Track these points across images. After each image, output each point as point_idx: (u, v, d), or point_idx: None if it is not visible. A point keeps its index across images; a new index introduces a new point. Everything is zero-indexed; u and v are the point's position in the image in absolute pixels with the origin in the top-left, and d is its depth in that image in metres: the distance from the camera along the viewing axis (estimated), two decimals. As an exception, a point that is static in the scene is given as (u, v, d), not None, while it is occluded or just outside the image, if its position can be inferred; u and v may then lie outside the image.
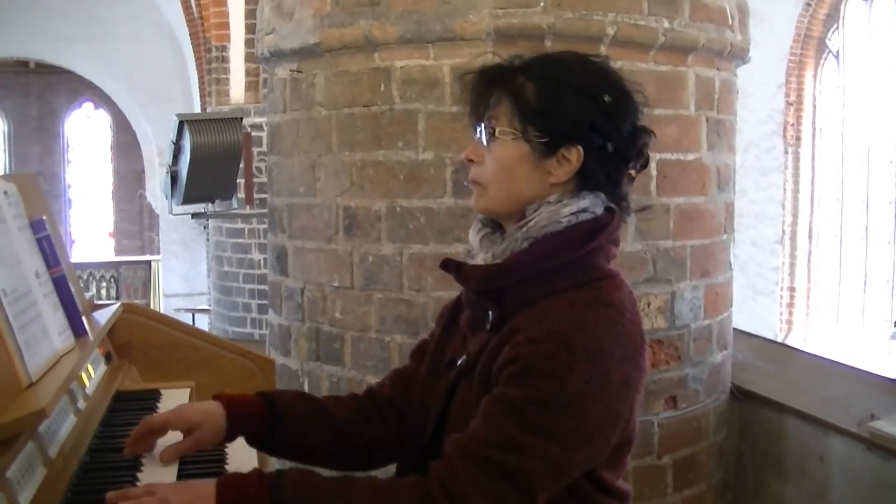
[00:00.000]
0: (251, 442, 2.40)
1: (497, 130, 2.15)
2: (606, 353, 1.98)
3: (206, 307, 14.41)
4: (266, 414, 2.35)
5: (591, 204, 2.13)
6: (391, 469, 2.42)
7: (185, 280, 18.00)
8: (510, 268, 2.12)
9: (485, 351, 2.11)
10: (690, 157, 4.36)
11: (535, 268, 2.10)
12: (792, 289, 14.00)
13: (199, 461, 2.38)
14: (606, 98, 2.12)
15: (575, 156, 2.10)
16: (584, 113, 2.10)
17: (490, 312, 2.17)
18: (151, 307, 16.39)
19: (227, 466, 2.43)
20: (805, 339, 13.44)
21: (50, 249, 2.57)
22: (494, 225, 2.25)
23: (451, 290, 4.07)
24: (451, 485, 1.92)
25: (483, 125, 2.18)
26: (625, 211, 2.23)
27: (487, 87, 2.18)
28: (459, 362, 2.23)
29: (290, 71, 4.56)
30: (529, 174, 2.13)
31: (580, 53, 2.25)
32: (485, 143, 2.18)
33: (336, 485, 1.99)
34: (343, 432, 2.41)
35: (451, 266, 2.26)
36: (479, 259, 2.20)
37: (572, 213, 2.11)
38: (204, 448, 2.36)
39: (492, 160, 2.16)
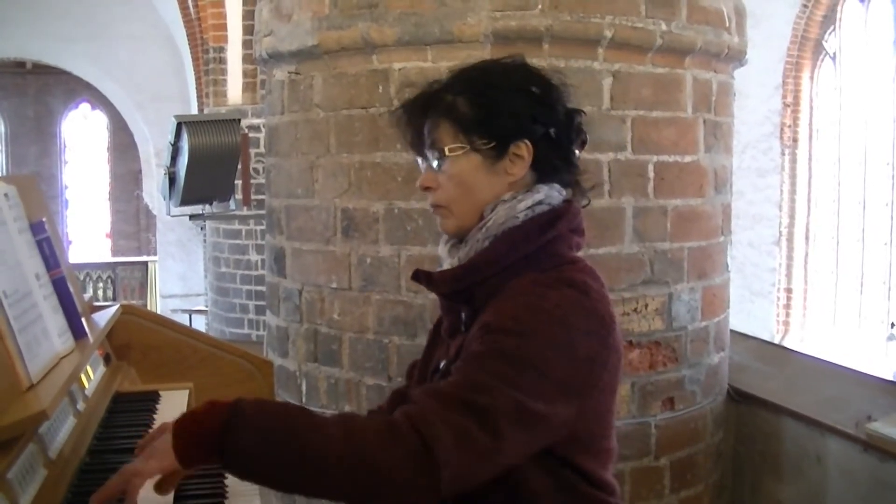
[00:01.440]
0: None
1: (446, 150, 2.19)
2: (569, 322, 2.03)
3: (202, 308, 14.39)
4: None
5: (545, 196, 2.20)
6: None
7: (182, 281, 17.98)
8: (474, 265, 2.17)
9: (462, 349, 2.14)
10: (687, 158, 4.37)
11: (498, 263, 2.15)
12: (789, 290, 13.99)
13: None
14: (534, 89, 2.20)
15: (525, 150, 2.18)
16: (520, 107, 2.18)
17: (463, 314, 2.22)
18: (148, 308, 16.39)
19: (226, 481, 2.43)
20: (802, 340, 13.44)
21: (50, 251, 2.58)
22: (464, 236, 2.27)
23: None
24: (418, 419, 1.91)
25: (429, 152, 2.23)
26: (580, 194, 2.30)
27: (420, 117, 2.24)
28: (441, 366, 2.26)
29: (289, 73, 4.56)
30: (488, 181, 2.20)
31: (493, 60, 2.34)
32: (436, 167, 2.22)
33: (295, 408, 2.02)
34: None
35: (421, 276, 2.31)
36: (446, 265, 2.25)
37: (528, 208, 2.18)
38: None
39: (447, 180, 2.21)
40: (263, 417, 1.91)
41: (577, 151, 2.27)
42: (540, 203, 2.18)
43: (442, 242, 2.33)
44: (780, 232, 13.95)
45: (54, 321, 2.43)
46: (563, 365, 2.00)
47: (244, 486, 2.32)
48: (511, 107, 2.17)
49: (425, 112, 2.23)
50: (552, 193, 2.21)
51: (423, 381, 2.37)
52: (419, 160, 2.29)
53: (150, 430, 2.51)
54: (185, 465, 1.90)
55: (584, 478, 2.13)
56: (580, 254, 2.28)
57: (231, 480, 2.40)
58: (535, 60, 3.88)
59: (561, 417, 2.01)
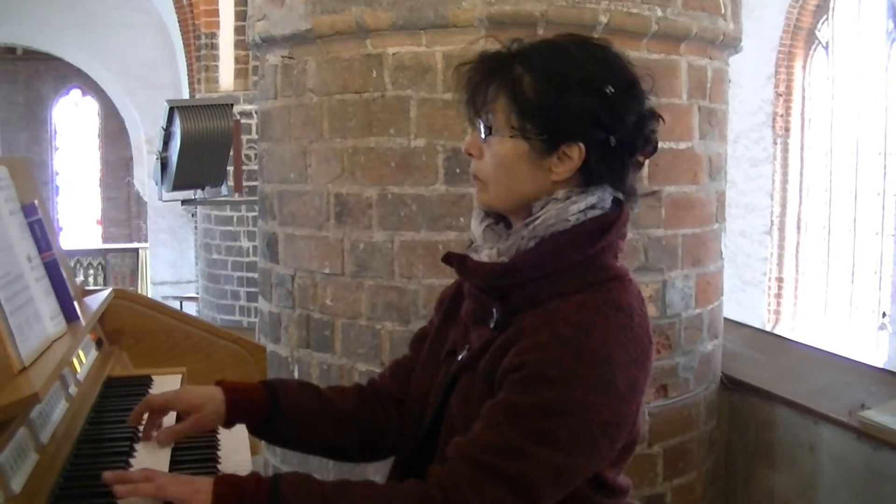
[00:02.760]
0: (253, 431, 2.40)
1: (494, 127, 2.08)
2: (614, 359, 1.94)
3: (193, 295, 14.40)
4: (266, 401, 2.35)
5: (599, 200, 2.07)
6: (390, 461, 2.42)
7: (173, 268, 17.99)
8: (516, 267, 2.06)
9: (489, 350, 2.07)
10: (682, 145, 4.36)
11: (542, 268, 2.04)
12: (780, 279, 14.04)
13: (191, 447, 2.38)
14: (609, 90, 2.03)
15: (576, 153, 2.04)
16: (585, 108, 2.02)
17: (494, 310, 2.11)
18: (139, 295, 16.37)
19: (219, 452, 2.44)
20: (793, 329, 13.48)
21: (41, 234, 2.56)
22: (497, 215, 2.19)
23: (442, 278, 4.08)
24: (451, 489, 1.90)
25: (480, 120, 2.11)
26: (633, 201, 2.17)
27: (484, 79, 2.09)
28: (461, 356, 2.19)
29: (282, 57, 4.54)
30: (529, 172, 2.07)
31: (581, 38, 2.15)
32: (483, 137, 2.11)
33: (333, 488, 1.98)
34: (345, 423, 2.40)
35: (454, 259, 2.20)
36: (484, 254, 2.13)
37: (580, 211, 2.05)
38: (202, 431, 2.36)
39: (490, 156, 2.10)
40: (302, 498, 1.94)
41: (640, 158, 2.14)
42: (593, 207, 2.07)
43: (475, 220, 2.22)
44: (772, 221, 13.99)
45: (46, 304, 2.42)
46: (606, 405, 1.93)
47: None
48: (575, 104, 2.02)
49: (492, 77, 2.08)
50: (605, 197, 2.08)
51: (434, 361, 2.31)
52: (473, 121, 2.15)
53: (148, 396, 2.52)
54: None
55: (602, 487, 2.09)
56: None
57: (224, 451, 2.42)
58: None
59: (603, 455, 1.98)
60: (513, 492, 1.88)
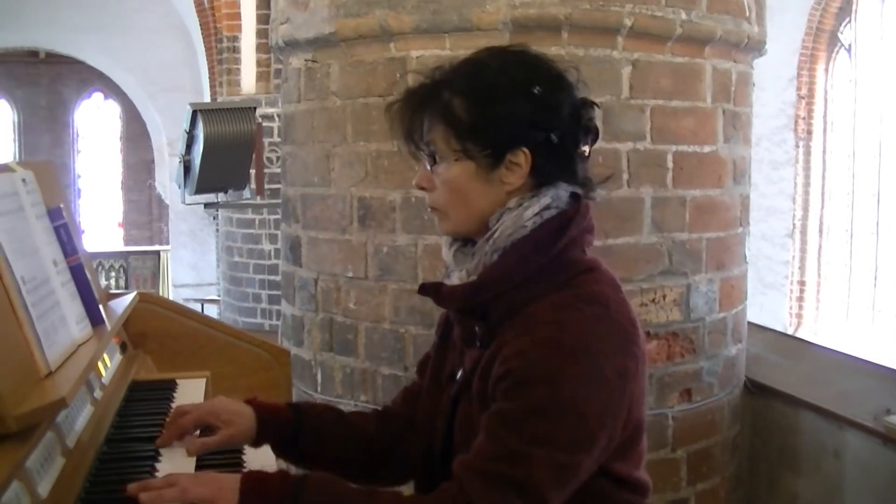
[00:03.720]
0: (277, 451, 2.42)
1: (437, 155, 2.11)
2: (596, 350, 1.95)
3: (215, 297, 14.42)
4: (292, 423, 2.37)
5: (553, 199, 2.10)
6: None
7: (194, 270, 18.00)
8: (485, 283, 2.09)
9: (477, 368, 2.09)
10: (707, 149, 4.34)
11: (509, 279, 2.06)
12: (802, 283, 13.98)
13: (216, 453, 2.38)
14: (536, 90, 2.06)
15: (523, 159, 2.06)
16: (518, 114, 2.06)
17: (477, 329, 2.13)
18: (160, 297, 16.39)
19: (244, 456, 2.44)
20: (815, 333, 13.42)
21: (67, 238, 2.56)
22: (465, 238, 2.20)
23: (465, 282, 4.08)
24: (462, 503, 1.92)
25: (423, 152, 2.14)
26: (591, 191, 2.18)
27: (416, 112, 2.13)
28: (458, 377, 2.22)
29: (305, 61, 4.54)
30: (483, 189, 2.09)
31: (497, 49, 2.20)
32: (429, 168, 2.13)
33: (358, 494, 2.00)
34: (367, 446, 2.42)
35: (429, 289, 2.23)
36: (455, 277, 2.16)
37: (535, 214, 2.07)
38: (231, 447, 2.37)
39: (442, 184, 2.12)
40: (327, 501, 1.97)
41: (585, 149, 2.15)
42: (548, 208, 2.08)
43: (445, 245, 2.24)
44: (794, 224, 13.94)
45: (72, 308, 2.42)
46: (596, 396, 1.94)
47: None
48: (509, 113, 2.05)
49: (423, 109, 2.12)
50: (559, 194, 2.10)
51: (437, 384, 2.33)
52: (416, 156, 2.19)
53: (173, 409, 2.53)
54: None
55: (619, 483, 2.10)
56: (596, 242, 2.22)
57: (249, 458, 2.42)
58: (554, 49, 3.89)
59: (602, 447, 1.98)
60: (521, 496, 1.90)
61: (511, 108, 2.05)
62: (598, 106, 2.19)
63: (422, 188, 2.18)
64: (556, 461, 1.91)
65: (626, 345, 2.01)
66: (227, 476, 2.00)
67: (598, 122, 2.20)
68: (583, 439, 1.94)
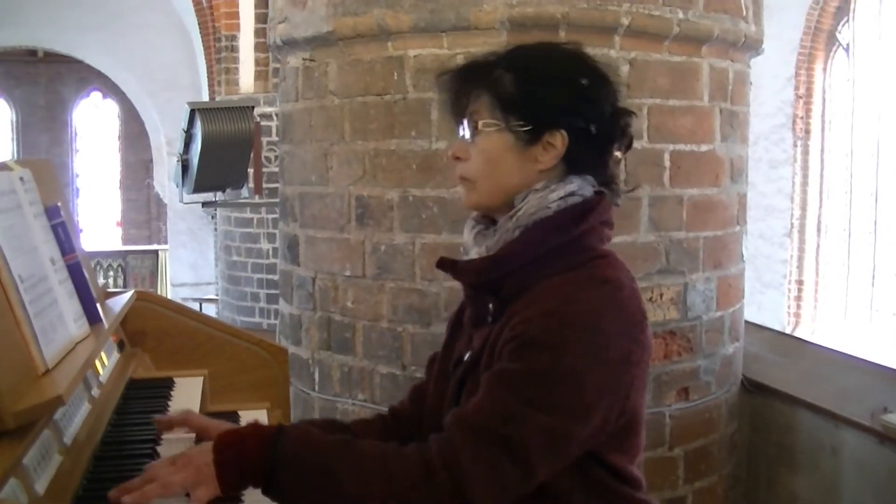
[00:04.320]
0: None
1: (480, 124, 2.16)
2: (603, 327, 1.99)
3: (213, 297, 14.41)
4: None
5: (578, 187, 2.15)
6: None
7: (193, 269, 17.99)
8: (503, 257, 2.13)
9: (486, 345, 2.12)
10: (704, 148, 4.35)
11: (527, 254, 2.11)
12: (800, 282, 13.97)
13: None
14: (584, 81, 2.13)
15: (559, 140, 2.12)
16: (563, 97, 2.12)
17: (490, 305, 2.17)
18: (159, 296, 16.38)
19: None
20: (813, 332, 13.42)
21: (65, 236, 2.57)
22: (488, 221, 2.25)
23: (463, 281, 4.08)
24: (449, 456, 1.93)
25: (465, 121, 2.19)
26: (614, 193, 2.24)
27: (465, 85, 2.19)
28: (466, 358, 2.23)
29: (303, 59, 4.54)
30: (516, 164, 2.14)
31: (553, 42, 2.34)
32: (469, 138, 2.19)
33: (336, 445, 2.02)
34: None
35: (446, 264, 2.28)
36: (473, 253, 2.21)
37: (560, 198, 2.13)
38: None
39: (477, 154, 2.18)
40: (302, 459, 1.98)
41: (618, 153, 2.22)
42: (572, 194, 2.13)
43: (467, 229, 2.29)
44: (792, 223, 13.93)
45: (70, 306, 2.42)
46: (598, 371, 1.97)
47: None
48: (553, 94, 2.12)
49: (472, 81, 2.19)
50: (585, 185, 2.16)
51: (444, 375, 2.34)
52: (457, 126, 2.24)
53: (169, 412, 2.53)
54: (225, 491, 1.97)
55: (614, 474, 2.12)
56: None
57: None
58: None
59: (596, 425, 2.00)
60: (510, 456, 1.92)
61: (557, 91, 2.13)
62: (635, 115, 2.25)
63: (456, 158, 2.23)
64: (548, 426, 1.93)
65: (632, 330, 2.05)
66: (200, 448, 2.02)
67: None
68: (578, 410, 1.96)
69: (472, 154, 2.18)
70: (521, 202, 2.14)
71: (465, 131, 2.20)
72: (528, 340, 1.98)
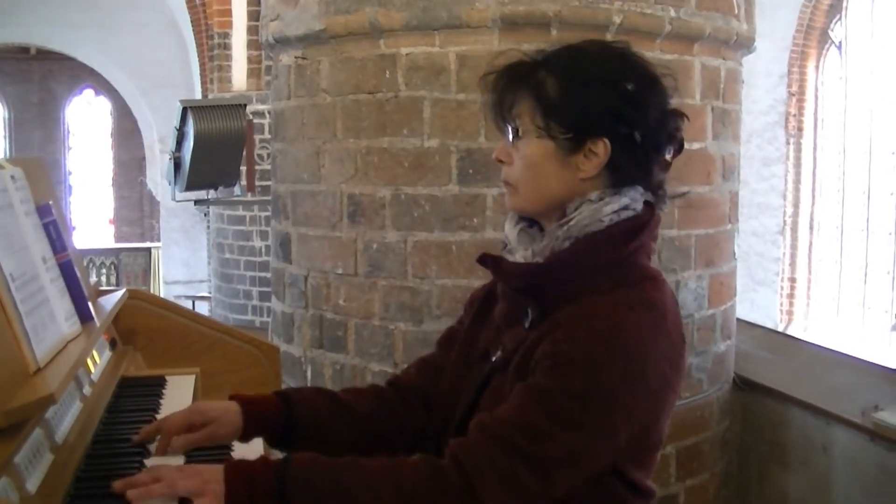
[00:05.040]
0: (272, 443, 2.39)
1: (521, 129, 2.11)
2: (647, 353, 1.96)
3: (206, 294, 14.41)
4: (281, 412, 2.34)
5: (631, 200, 2.10)
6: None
7: (186, 267, 18.00)
8: (552, 267, 2.09)
9: (522, 347, 2.08)
10: (696, 146, 4.35)
11: (576, 267, 2.07)
12: (792, 279, 14.00)
13: (204, 449, 2.37)
14: (629, 86, 2.06)
15: (602, 149, 2.06)
16: (606, 103, 2.05)
17: (529, 310, 2.13)
18: (151, 294, 16.38)
19: (232, 452, 2.42)
20: (805, 329, 13.45)
21: (56, 234, 2.56)
22: (530, 219, 2.21)
23: (455, 278, 4.08)
24: (466, 460, 1.92)
25: (508, 125, 2.15)
26: (661, 200, 2.19)
27: (508, 86, 2.14)
28: (495, 357, 2.20)
29: (295, 57, 4.54)
30: (557, 171, 2.09)
31: (601, 41, 2.23)
32: (511, 142, 2.15)
33: (344, 464, 1.99)
34: (364, 424, 2.39)
35: (489, 261, 2.22)
36: (519, 255, 2.16)
37: (614, 212, 2.08)
38: (217, 442, 2.34)
39: (519, 159, 2.13)
40: (312, 477, 1.96)
41: (667, 157, 2.16)
42: (626, 208, 2.09)
43: (509, 223, 2.24)
44: (785, 221, 13.95)
45: (61, 305, 2.42)
46: (634, 396, 1.95)
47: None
48: (596, 100, 2.06)
49: (516, 82, 2.13)
50: (637, 198, 2.11)
51: (465, 363, 2.31)
52: (501, 128, 2.20)
53: (158, 417, 2.52)
54: None
55: (631, 488, 2.09)
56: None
57: (238, 453, 2.40)
58: (542, 47, 3.89)
59: (621, 445, 1.98)
60: (529, 469, 1.90)
61: (600, 96, 2.06)
62: (687, 118, 2.19)
63: (500, 161, 2.19)
64: (574, 444, 1.91)
65: (673, 356, 2.03)
66: (210, 467, 1.99)
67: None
68: (606, 430, 1.94)
69: (515, 158, 2.14)
70: (573, 211, 2.09)
71: (508, 133, 2.16)
72: (569, 359, 1.94)
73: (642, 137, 2.07)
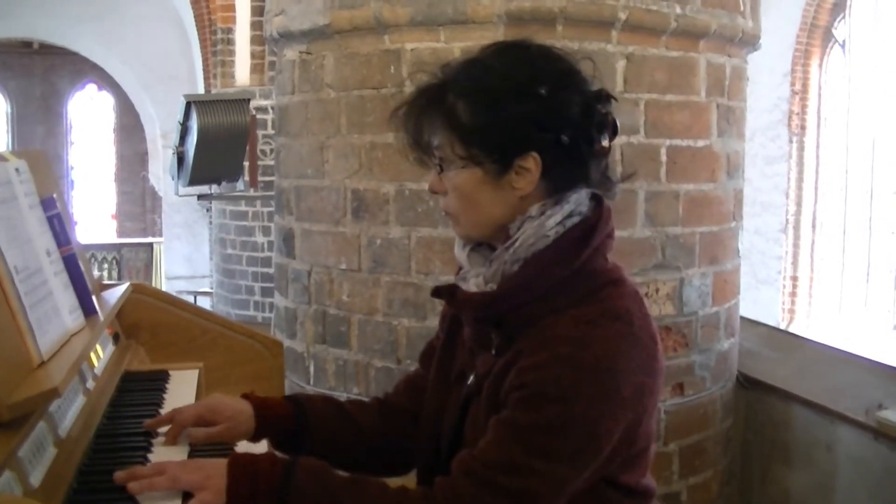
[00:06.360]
0: (279, 447, 2.38)
1: (444, 161, 2.05)
2: (617, 369, 1.90)
3: (208, 290, 14.41)
4: (292, 417, 2.35)
5: (575, 205, 2.03)
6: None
7: (188, 262, 17.98)
8: (504, 294, 2.02)
9: (490, 374, 2.05)
10: (700, 143, 4.34)
11: (530, 290, 1.99)
12: (795, 278, 13.98)
13: (207, 447, 2.36)
14: (542, 90, 1.98)
15: (532, 163, 1.99)
16: (524, 116, 1.97)
17: (493, 336, 2.09)
18: (153, 289, 16.36)
19: (236, 448, 2.42)
20: (807, 328, 13.43)
21: (60, 228, 2.55)
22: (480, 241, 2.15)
23: (459, 275, 4.08)
24: (453, 502, 1.91)
25: (431, 158, 2.09)
26: (609, 189, 2.12)
27: (420, 117, 2.07)
28: (469, 380, 2.17)
29: (300, 52, 4.54)
30: (493, 196, 2.03)
31: (503, 46, 2.13)
32: (438, 173, 2.08)
33: (347, 482, 1.99)
34: (367, 438, 2.39)
35: (443, 293, 2.18)
36: (472, 283, 2.09)
37: (558, 223, 2.00)
38: (230, 440, 2.33)
39: (451, 190, 2.06)
40: (314, 490, 1.94)
41: (605, 144, 2.06)
42: (570, 215, 2.01)
43: (458, 246, 2.18)
44: (787, 220, 13.94)
45: (65, 298, 2.41)
46: (610, 414, 1.90)
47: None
48: (514, 116, 1.97)
49: (427, 112, 2.05)
50: (581, 199, 2.04)
51: (444, 383, 2.27)
52: (424, 161, 2.13)
53: (161, 411, 2.52)
54: None
55: (625, 492, 2.07)
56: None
57: (241, 450, 2.40)
58: (549, 42, 3.88)
59: (606, 457, 1.95)
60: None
61: (516, 111, 1.97)
62: (614, 98, 2.10)
63: (434, 192, 2.12)
64: (557, 474, 1.89)
65: (646, 362, 1.96)
66: (214, 461, 1.99)
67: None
68: (588, 455, 1.91)
69: (448, 188, 2.07)
70: (516, 231, 2.02)
71: (433, 166, 2.09)
72: (538, 392, 1.89)
73: (570, 138, 1.99)
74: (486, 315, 2.07)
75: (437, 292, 2.20)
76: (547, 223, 2.00)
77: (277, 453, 2.12)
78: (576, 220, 2.03)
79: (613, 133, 2.08)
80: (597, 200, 2.08)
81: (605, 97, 2.07)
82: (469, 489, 1.90)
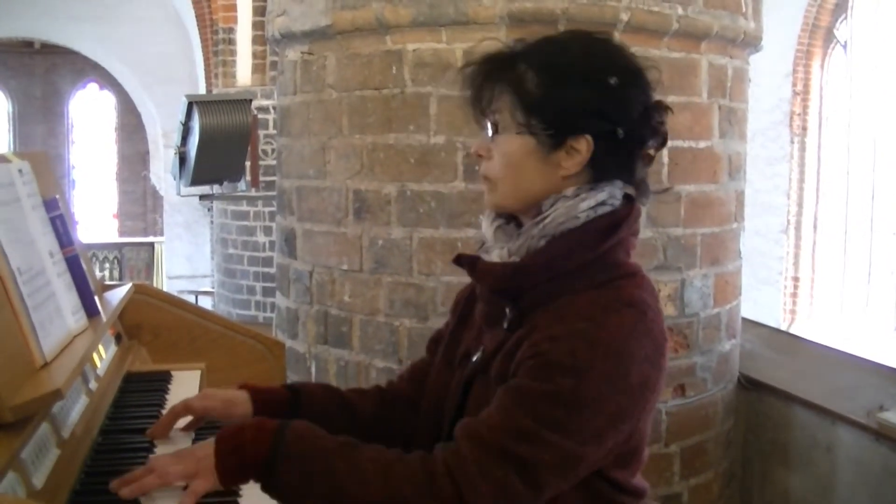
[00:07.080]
0: None
1: (500, 125, 2.07)
2: (628, 353, 1.92)
3: (209, 289, 14.41)
4: (290, 404, 2.34)
5: (608, 196, 2.05)
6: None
7: (189, 262, 17.99)
8: (527, 268, 2.04)
9: (501, 350, 2.06)
10: (702, 144, 4.35)
11: (553, 267, 2.02)
12: (796, 279, 13.97)
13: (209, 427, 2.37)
14: (612, 81, 2.01)
15: (584, 146, 2.01)
16: (589, 100, 2.01)
17: (507, 311, 2.10)
18: (154, 289, 16.36)
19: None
20: (809, 329, 13.42)
21: (63, 229, 2.56)
22: (508, 215, 2.17)
23: (461, 275, 4.04)
24: (456, 468, 1.88)
25: (487, 120, 2.11)
26: (643, 195, 2.14)
27: (488, 79, 2.09)
28: (475, 358, 2.18)
29: (301, 53, 4.54)
30: (538, 168, 2.05)
31: (583, 33, 2.16)
32: (490, 137, 2.11)
33: (340, 444, 1.98)
34: (366, 425, 2.38)
35: (464, 261, 2.18)
36: (495, 255, 2.11)
37: (590, 208, 2.03)
38: (230, 420, 2.33)
39: (499, 155, 2.08)
40: (305, 455, 1.94)
41: (651, 151, 2.11)
42: (602, 204, 2.04)
43: (486, 221, 2.20)
44: (789, 220, 13.93)
45: (68, 299, 2.42)
46: (617, 398, 1.91)
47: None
48: (578, 97, 2.01)
49: (495, 76, 2.08)
50: (615, 192, 2.07)
51: (448, 365, 2.28)
52: (479, 122, 2.16)
53: (163, 412, 2.52)
54: (224, 482, 1.95)
55: (618, 488, 2.07)
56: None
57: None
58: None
59: (607, 448, 1.96)
60: (519, 475, 1.87)
61: (582, 93, 2.02)
62: (671, 111, 2.14)
63: (478, 156, 2.15)
64: (562, 449, 1.88)
65: (654, 355, 1.98)
66: (204, 443, 1.99)
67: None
68: (593, 434, 1.91)
69: (494, 153, 2.10)
70: (548, 209, 2.04)
71: (487, 129, 2.12)
72: (552, 361, 1.91)
73: (625, 133, 2.03)
74: (506, 286, 2.08)
75: (459, 260, 2.21)
76: (580, 205, 2.03)
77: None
78: (607, 209, 2.06)
79: (662, 143, 2.12)
80: (628, 199, 2.11)
81: (663, 107, 2.11)
82: (473, 453, 1.89)
